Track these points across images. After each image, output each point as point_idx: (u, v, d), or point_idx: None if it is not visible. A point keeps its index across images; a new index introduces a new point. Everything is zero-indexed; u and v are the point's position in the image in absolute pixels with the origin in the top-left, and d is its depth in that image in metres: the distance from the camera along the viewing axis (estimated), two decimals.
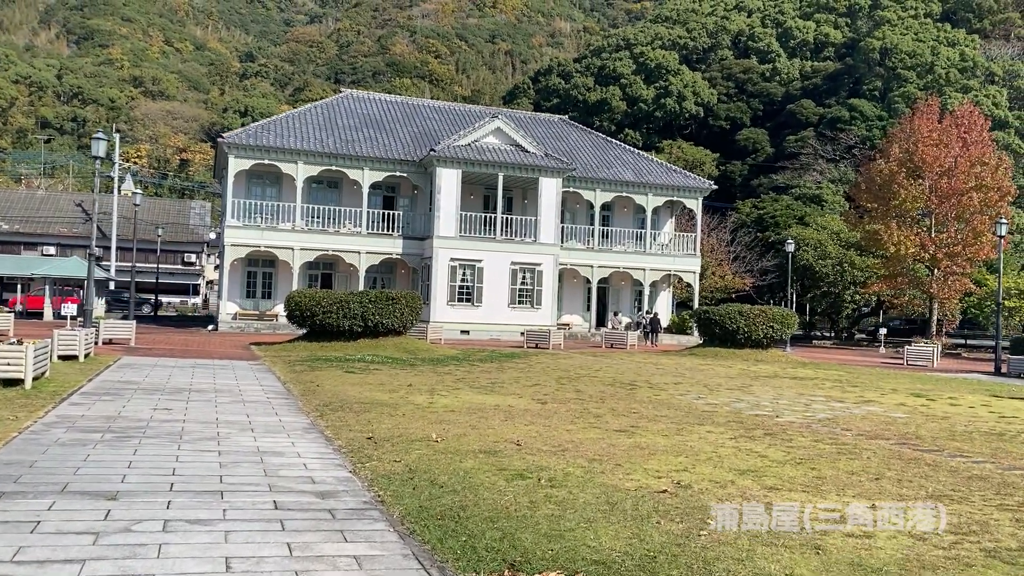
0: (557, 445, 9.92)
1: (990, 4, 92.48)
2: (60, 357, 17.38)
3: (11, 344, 12.81)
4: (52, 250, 55.63)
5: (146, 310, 49.34)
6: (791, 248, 40.77)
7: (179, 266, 63.66)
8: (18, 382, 12.74)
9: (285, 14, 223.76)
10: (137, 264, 59.39)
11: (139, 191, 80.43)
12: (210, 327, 36.45)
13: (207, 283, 69.48)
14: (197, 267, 64.66)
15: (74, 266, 43.09)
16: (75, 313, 19.82)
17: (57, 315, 34.88)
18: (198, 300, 65.45)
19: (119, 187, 35.16)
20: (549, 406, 13.66)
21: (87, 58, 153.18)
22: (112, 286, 51.94)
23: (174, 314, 55.89)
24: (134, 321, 25.20)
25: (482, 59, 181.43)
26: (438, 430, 10.77)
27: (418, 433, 10.49)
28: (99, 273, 45.03)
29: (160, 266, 59.50)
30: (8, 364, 12.59)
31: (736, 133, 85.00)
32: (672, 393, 16.46)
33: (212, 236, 62.41)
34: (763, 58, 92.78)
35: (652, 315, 40.47)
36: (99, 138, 19.38)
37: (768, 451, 10.00)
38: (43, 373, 14.14)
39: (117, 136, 55.56)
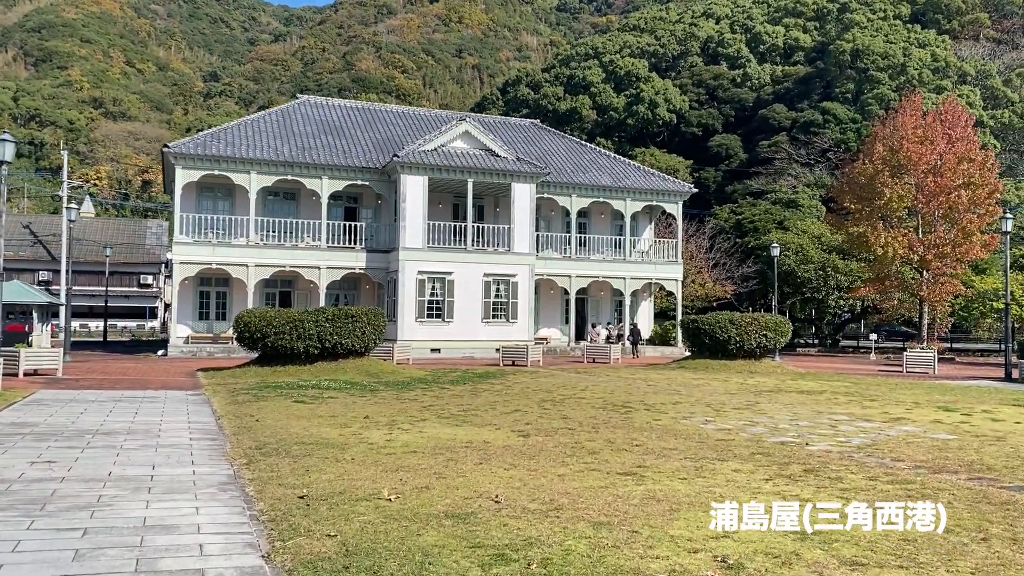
0: (548, 500, 7.60)
1: (958, 5, 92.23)
2: None
3: None
4: None
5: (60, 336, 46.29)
6: (776, 252, 38.94)
7: (135, 288, 60.57)
8: None
9: (249, 33, 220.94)
10: (92, 287, 56.33)
11: (91, 211, 76.98)
12: (160, 352, 33.68)
13: (165, 306, 66.33)
14: (155, 289, 61.55)
15: (16, 290, 39.99)
16: None
17: None
18: (156, 324, 62.28)
19: (67, 207, 32.54)
20: (533, 440, 11.33)
21: (45, 80, 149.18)
22: (62, 311, 48.78)
23: (127, 339, 52.80)
24: (60, 350, 22.51)
25: (449, 73, 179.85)
26: (393, 481, 8.40)
27: (367, 487, 8.12)
28: (44, 298, 42.01)
29: (114, 288, 56.43)
30: None
31: (709, 139, 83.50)
32: (674, 416, 14.20)
33: (169, 256, 59.44)
34: (733, 64, 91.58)
35: (633, 326, 38.38)
36: (5, 139, 16.82)
37: (819, 497, 7.76)
38: None
39: (65, 153, 52.57)
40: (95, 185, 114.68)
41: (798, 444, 11.26)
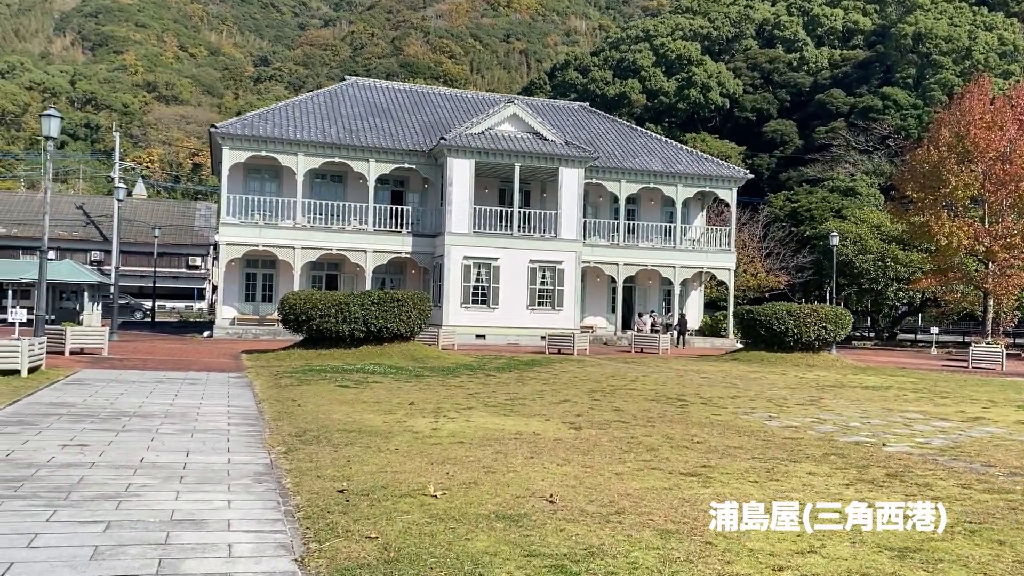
0: (608, 502, 6.94)
1: None
2: None
3: None
4: (52, 254, 53.19)
5: (138, 316, 46.81)
6: (835, 241, 37.57)
7: (184, 269, 61.21)
8: None
9: (299, 18, 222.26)
10: (142, 268, 57.00)
11: (143, 193, 78.11)
12: (206, 333, 33.74)
13: (213, 287, 67.00)
14: (203, 270, 62.13)
15: (67, 270, 40.57)
16: (23, 319, 17.09)
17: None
18: (204, 305, 62.88)
19: (117, 187, 32.59)
20: (585, 433, 10.67)
21: (101, 64, 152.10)
22: (112, 291, 49.41)
23: (175, 320, 53.37)
24: (105, 329, 22.47)
25: (496, 59, 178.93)
26: (439, 475, 7.82)
27: (411, 480, 7.55)
28: (94, 277, 42.56)
29: (163, 269, 57.08)
30: None
31: (763, 125, 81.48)
32: (733, 411, 13.41)
33: (217, 238, 59.94)
34: (790, 47, 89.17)
35: (680, 315, 37.48)
36: (50, 115, 16.62)
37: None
38: None
39: (117, 135, 53.13)
40: (147, 168, 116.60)
41: (874, 444, 10.42)
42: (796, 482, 7.95)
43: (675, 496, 7.23)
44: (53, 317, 39.61)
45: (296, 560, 5.32)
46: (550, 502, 6.89)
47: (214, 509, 6.46)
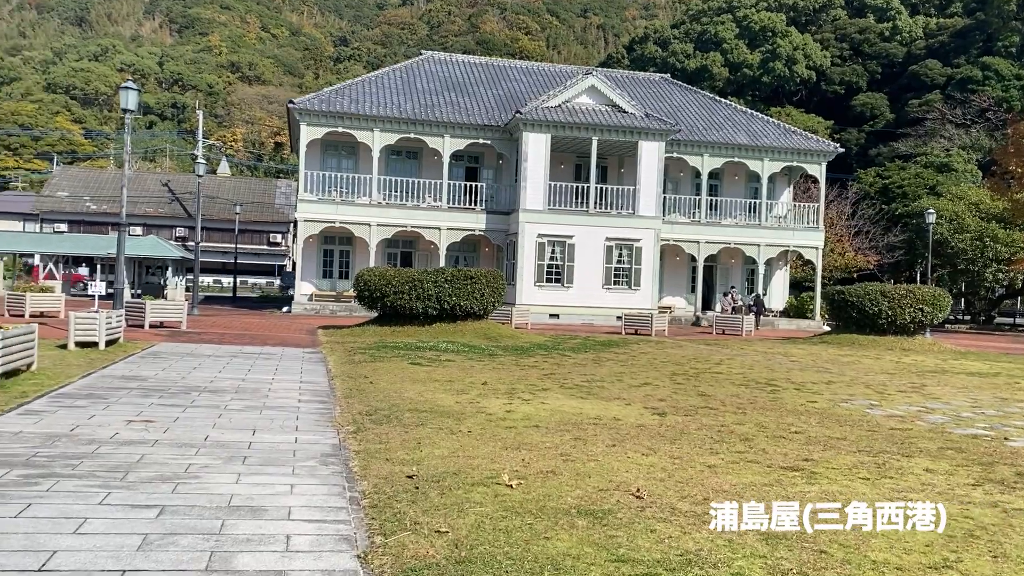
0: (702, 499, 6.25)
1: None
2: (78, 344, 14.72)
3: None
4: (139, 230, 54.80)
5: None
6: (931, 219, 35.40)
7: (264, 246, 62.32)
8: None
9: None
10: (224, 244, 58.33)
11: (227, 172, 79.84)
12: (284, 309, 34.06)
13: (292, 264, 68.12)
14: (283, 247, 63.16)
15: (151, 245, 41.61)
16: (103, 292, 17.25)
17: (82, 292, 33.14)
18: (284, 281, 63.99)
19: (198, 162, 33.08)
20: (670, 420, 9.94)
21: (188, 46, 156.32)
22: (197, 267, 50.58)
23: (256, 295, 54.40)
24: (184, 303, 22.70)
25: (573, 34, 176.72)
26: (514, 462, 7.25)
27: (484, 467, 7.01)
28: (178, 253, 43.55)
29: (244, 246, 58.19)
30: None
31: (851, 98, 77.94)
32: (830, 398, 12.46)
33: (295, 214, 60.76)
34: (881, 16, 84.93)
35: (755, 296, 36.13)
36: (128, 87, 16.64)
37: None
38: (28, 366, 11.35)
39: (200, 114, 54.17)
40: (231, 147, 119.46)
41: (994, 439, 9.40)
42: (913, 480, 7.09)
43: (777, 494, 6.49)
44: (139, 291, 40.74)
45: (359, 557, 4.82)
46: (637, 497, 6.24)
47: (275, 494, 6.03)
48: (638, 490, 6.40)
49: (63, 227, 54.13)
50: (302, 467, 6.94)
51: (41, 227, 55.07)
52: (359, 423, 8.98)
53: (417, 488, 6.28)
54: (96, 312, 14.96)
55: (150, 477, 6.30)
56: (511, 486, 6.40)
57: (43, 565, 4.40)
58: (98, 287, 16.99)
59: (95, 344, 14.78)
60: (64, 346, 14.82)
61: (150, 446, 7.40)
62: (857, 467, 7.58)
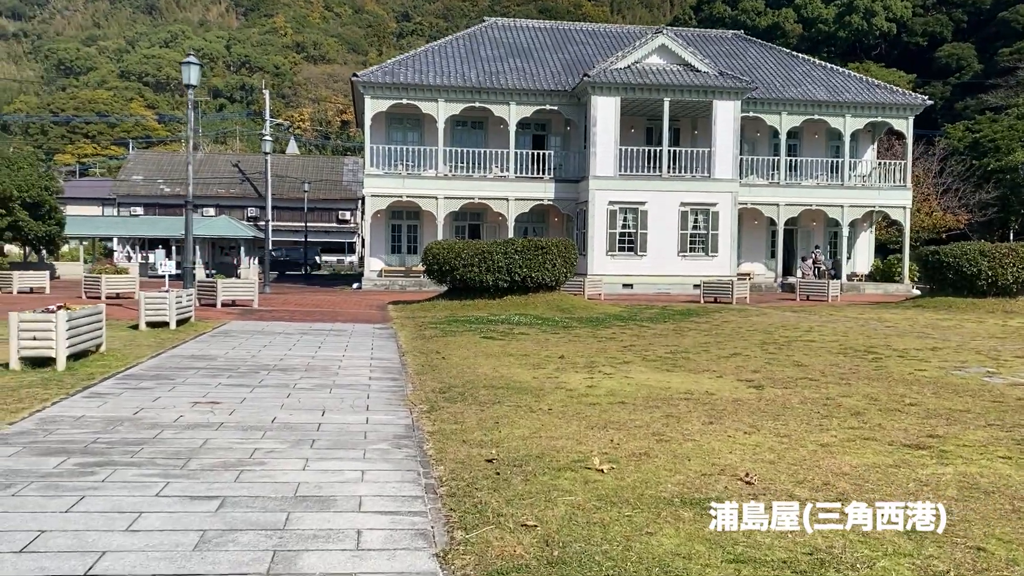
0: (821, 483, 5.49)
1: None
2: (149, 324, 14.63)
3: (40, 313, 9.76)
4: (212, 211, 55.73)
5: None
6: None
7: (334, 224, 62.73)
8: (50, 361, 9.74)
9: None
10: (295, 223, 59.01)
11: (295, 151, 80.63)
12: (355, 285, 34.04)
13: (362, 241, 68.50)
14: (352, 224, 63.50)
15: (224, 225, 42.14)
16: (172, 272, 17.19)
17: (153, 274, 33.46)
18: (354, 258, 64.43)
19: (264, 139, 33.05)
20: (769, 393, 9.13)
21: (254, 28, 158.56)
22: (270, 245, 51.19)
23: (327, 272, 54.82)
24: (256, 281, 22.64)
25: None
26: (603, 443, 6.59)
27: (570, 449, 6.37)
28: (250, 232, 44.03)
29: (314, 224, 58.69)
30: (34, 339, 9.57)
31: (936, 50, 73.80)
32: (939, 366, 11.41)
33: (363, 191, 60.90)
34: None
35: (833, 260, 34.72)
36: (190, 62, 16.38)
37: None
38: (98, 347, 11.19)
39: (267, 93, 54.54)
40: (299, 127, 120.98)
41: None
42: None
43: (908, 476, 5.68)
44: (213, 271, 41.35)
45: (437, 556, 4.24)
46: (746, 482, 5.51)
47: (345, 482, 5.52)
48: (746, 474, 5.68)
49: (139, 210, 55.41)
50: (374, 450, 6.42)
51: (118, 211, 56.50)
52: (432, 401, 8.45)
53: (498, 474, 5.69)
54: (167, 292, 14.82)
55: (212, 464, 5.86)
56: (602, 471, 5.75)
57: (89, 569, 3.94)
58: (168, 267, 16.95)
59: (166, 324, 14.67)
60: (136, 327, 14.75)
61: (215, 430, 6.99)
62: (992, 444, 6.68)
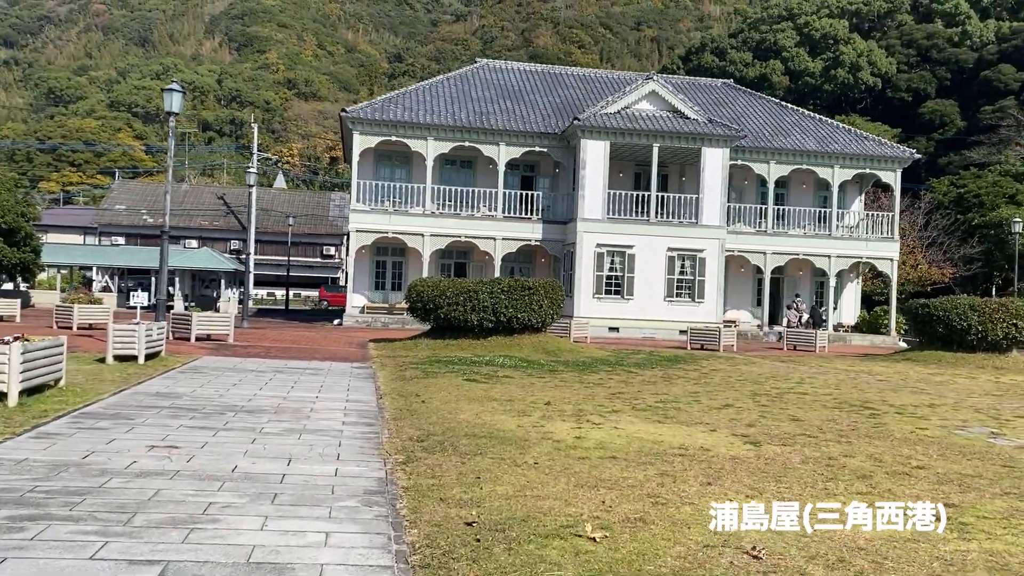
0: (836, 559, 4.96)
1: None
2: (116, 357, 13.97)
3: None
4: (194, 243, 55.09)
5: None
6: (1019, 228, 33.21)
7: (318, 258, 62.19)
8: (1, 396, 9.09)
9: (432, 14, 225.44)
10: (279, 257, 58.40)
11: (283, 186, 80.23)
12: (336, 321, 33.38)
13: (346, 276, 67.91)
14: (336, 259, 62.98)
15: (205, 258, 41.46)
16: (144, 303, 16.58)
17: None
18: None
19: (249, 171, 32.65)
20: (767, 450, 8.61)
21: (246, 63, 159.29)
22: (251, 279, 50.50)
23: (308, 307, 54.08)
24: (232, 315, 22.01)
25: (627, 47, 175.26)
26: (593, 505, 6.04)
27: (558, 512, 5.81)
28: (231, 265, 43.36)
29: (298, 258, 58.09)
30: None
31: (919, 106, 74.88)
32: (941, 424, 10.95)
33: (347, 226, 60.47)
34: (950, 21, 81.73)
35: (812, 307, 34.56)
36: (172, 89, 15.96)
37: None
38: (57, 381, 10.53)
39: (255, 127, 54.35)
40: (288, 162, 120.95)
41: None
42: None
43: (930, 553, 5.16)
44: (193, 303, 40.58)
45: None
46: (753, 556, 4.97)
47: (306, 546, 4.93)
48: (753, 547, 5.14)
49: (120, 240, 54.71)
50: (341, 508, 5.83)
51: (100, 240, 55.73)
52: (409, 451, 7.87)
53: (479, 540, 5.12)
54: (136, 324, 14.19)
55: (160, 521, 5.26)
56: (594, 539, 5.20)
57: None
58: (140, 298, 16.33)
59: (135, 358, 14.01)
60: (103, 360, 14.08)
61: (168, 479, 6.38)
62: (1014, 515, 6.18)
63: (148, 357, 14.38)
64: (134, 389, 11.16)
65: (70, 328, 22.59)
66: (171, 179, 16.57)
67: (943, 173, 63.89)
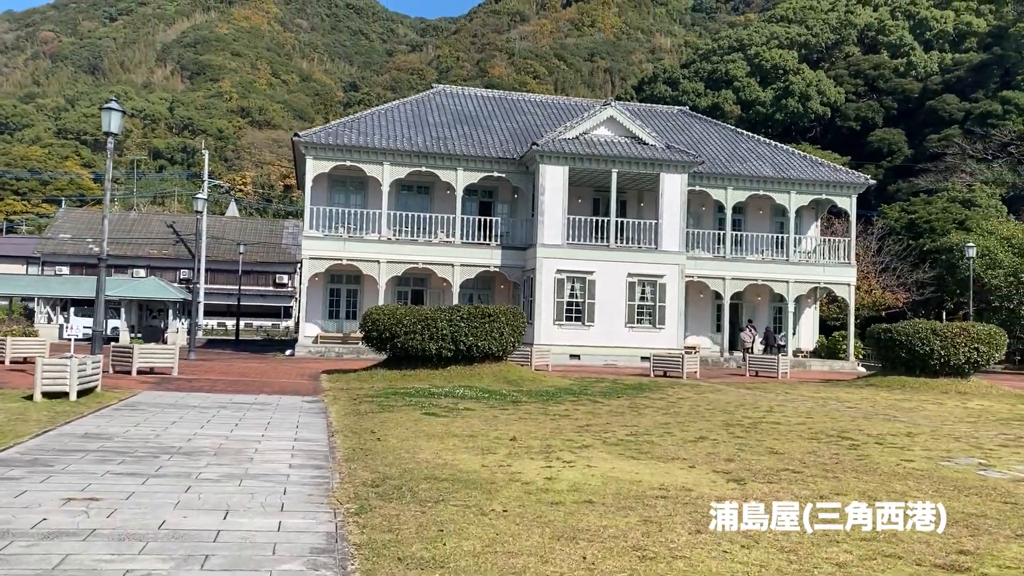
0: None
1: None
2: (45, 395, 12.89)
3: None
4: (142, 272, 53.31)
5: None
6: (972, 253, 33.63)
7: (271, 287, 60.73)
8: None
9: (387, 44, 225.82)
10: (230, 286, 56.84)
11: (235, 214, 78.62)
12: (288, 352, 32.24)
13: (299, 305, 66.44)
14: (290, 288, 61.55)
15: (152, 287, 39.97)
16: (79, 335, 15.49)
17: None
18: (290, 323, 62.29)
19: (197, 197, 31.40)
20: (752, 488, 7.98)
21: (199, 92, 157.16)
22: (201, 309, 48.92)
23: (260, 338, 52.58)
24: (176, 347, 20.87)
25: (581, 78, 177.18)
26: (573, 563, 5.32)
27: (534, 573, 5.08)
28: (180, 295, 41.91)
29: (250, 287, 56.62)
30: None
31: (868, 134, 76.41)
32: (925, 455, 10.46)
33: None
34: (895, 52, 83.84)
35: (766, 330, 34.76)
36: (110, 108, 15.03)
37: None
38: None
39: (206, 153, 53.09)
40: (241, 191, 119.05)
41: None
42: None
43: None
44: (139, 335, 39.04)
45: None
46: None
47: None
48: None
49: (65, 270, 52.73)
50: (283, 573, 5.03)
51: (43, 270, 53.67)
52: (363, 499, 7.07)
53: None
54: (68, 358, 13.14)
55: None
56: None
57: None
58: (73, 330, 15.22)
59: (66, 394, 12.94)
60: (31, 397, 12.99)
61: (81, 540, 5.51)
62: None
63: (82, 393, 13.32)
64: (60, 430, 10.15)
65: (2, 362, 21.25)
66: (109, 203, 15.60)
67: (892, 199, 65.04)
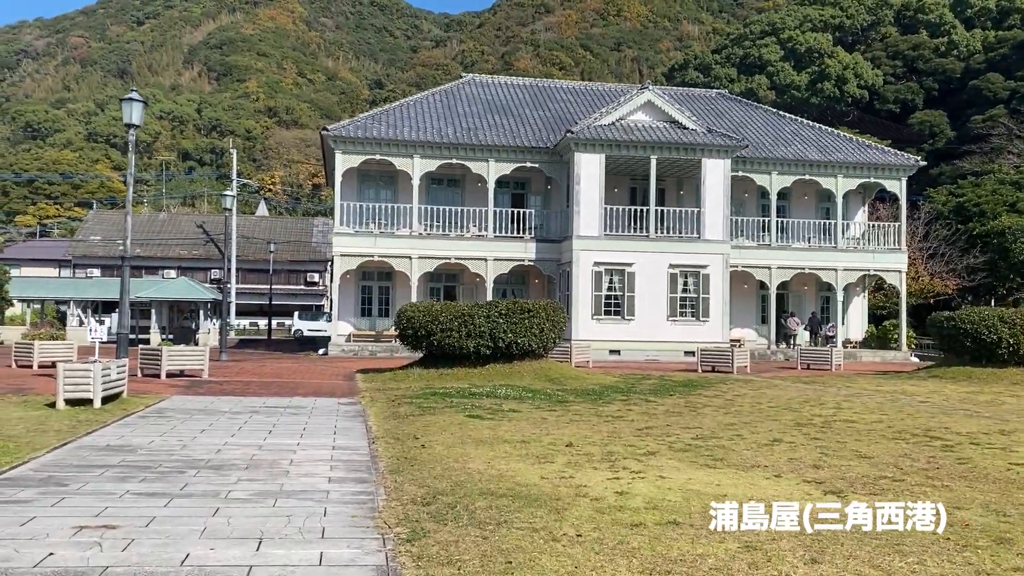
0: None
1: None
2: (68, 401, 12.19)
3: None
4: (173, 273, 53.14)
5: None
6: None
7: (301, 286, 60.32)
8: None
9: (412, 41, 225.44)
10: (261, 285, 56.51)
11: (265, 214, 78.49)
12: (320, 351, 31.58)
13: (331, 303, 65.99)
14: (320, 287, 61.11)
15: (183, 288, 39.57)
16: (104, 337, 14.82)
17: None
18: (322, 323, 61.84)
19: (225, 194, 30.77)
20: (856, 501, 6.96)
21: (226, 93, 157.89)
22: (233, 308, 48.54)
23: (293, 337, 52.14)
24: (206, 349, 20.18)
25: (608, 68, 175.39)
26: None
27: None
28: (210, 295, 41.46)
29: (281, 287, 56.27)
30: None
31: (908, 117, 74.26)
32: None
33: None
34: (935, 32, 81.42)
35: (812, 315, 33.62)
36: (131, 99, 14.33)
37: None
38: None
39: (233, 152, 52.74)
40: (269, 190, 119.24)
41: None
42: None
43: None
44: (171, 336, 38.65)
45: None
46: None
47: None
48: None
49: (96, 272, 52.68)
50: None
51: (74, 272, 53.71)
52: (414, 521, 6.17)
53: None
54: (92, 363, 12.43)
55: None
56: None
57: None
58: (98, 332, 14.57)
59: (90, 401, 12.23)
60: (53, 404, 12.30)
61: None
62: None
63: (107, 399, 12.61)
64: (80, 442, 9.39)
65: (30, 367, 20.73)
66: (134, 204, 14.92)
67: (935, 183, 62.99)
